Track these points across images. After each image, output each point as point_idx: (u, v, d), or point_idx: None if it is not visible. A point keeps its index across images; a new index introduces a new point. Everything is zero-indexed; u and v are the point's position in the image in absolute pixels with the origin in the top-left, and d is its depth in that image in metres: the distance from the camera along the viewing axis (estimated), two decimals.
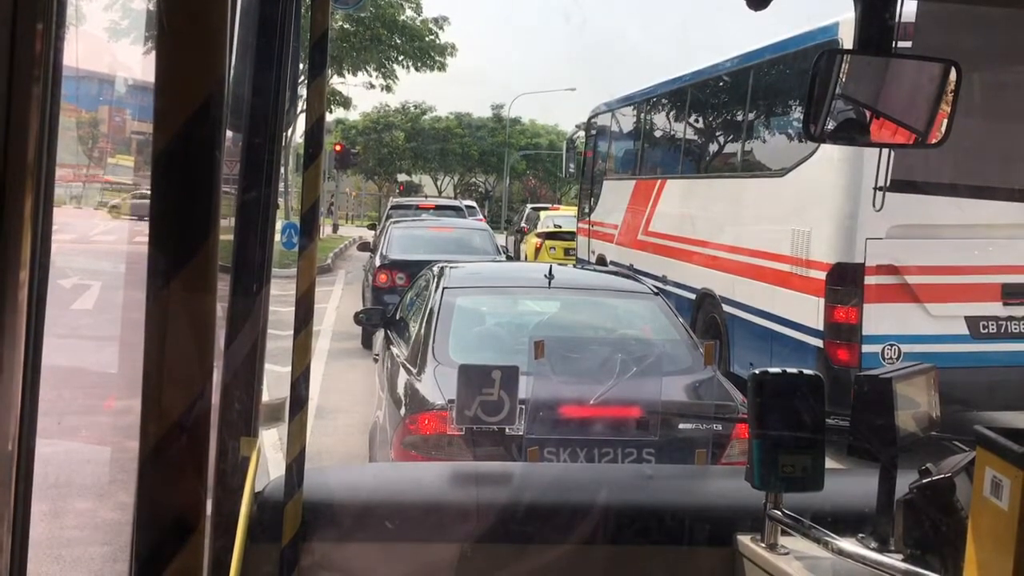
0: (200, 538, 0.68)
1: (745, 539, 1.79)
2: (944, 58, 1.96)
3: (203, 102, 0.66)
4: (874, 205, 2.43)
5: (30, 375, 0.74)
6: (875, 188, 2.10)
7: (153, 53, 0.67)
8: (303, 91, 1.75)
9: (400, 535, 1.84)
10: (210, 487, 1.71)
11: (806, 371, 1.78)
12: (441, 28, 30.41)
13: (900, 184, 2.14)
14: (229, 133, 1.76)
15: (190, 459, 0.67)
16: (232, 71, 1.68)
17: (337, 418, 7.90)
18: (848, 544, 1.59)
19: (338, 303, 15.16)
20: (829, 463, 1.76)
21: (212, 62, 0.66)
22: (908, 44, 2.08)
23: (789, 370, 1.77)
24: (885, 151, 2.11)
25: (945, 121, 1.97)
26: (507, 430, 2.35)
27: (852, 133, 2.03)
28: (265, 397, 1.91)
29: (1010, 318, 7.58)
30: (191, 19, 0.65)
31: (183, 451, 0.67)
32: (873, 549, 1.62)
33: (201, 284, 0.67)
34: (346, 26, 27.64)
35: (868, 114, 2.05)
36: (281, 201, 20.53)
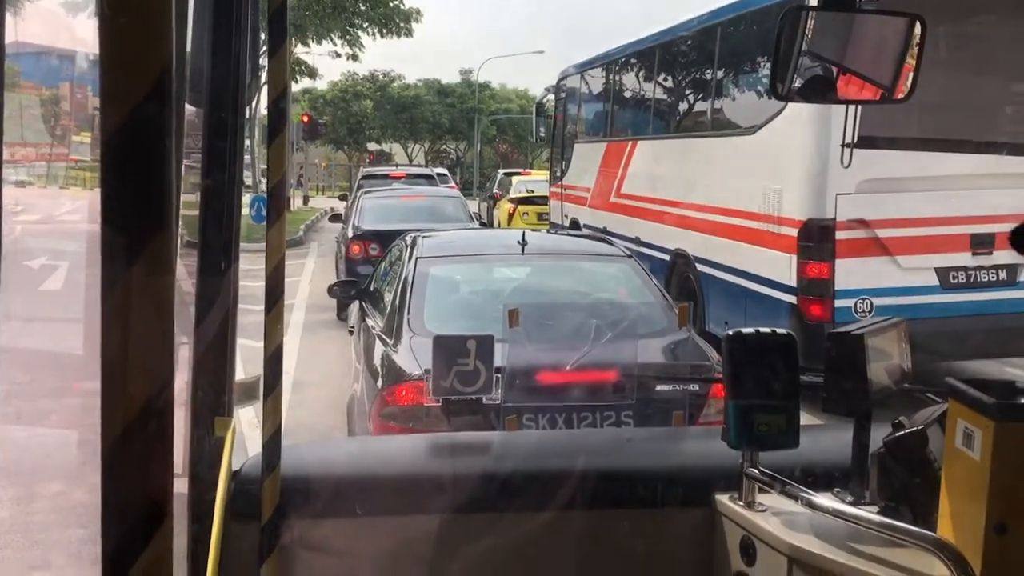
0: (169, 526, 0.67)
1: (723, 498, 1.81)
2: (909, 12, 1.96)
3: (153, 83, 0.63)
4: (842, 162, 2.44)
5: None
6: (842, 145, 2.11)
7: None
8: (266, 61, 1.71)
9: (380, 509, 1.84)
10: (185, 468, 1.71)
11: (779, 330, 1.79)
12: None
13: (867, 140, 2.14)
14: (191, 108, 1.73)
15: (156, 447, 0.66)
16: (190, 44, 1.64)
17: (314, 391, 7.89)
18: (824, 499, 1.61)
19: (311, 276, 15.08)
20: (805, 419, 1.78)
21: (159, 40, 0.64)
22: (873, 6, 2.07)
23: (762, 330, 1.77)
24: (852, 107, 2.11)
25: (911, 76, 1.97)
26: (484, 399, 2.35)
27: (819, 90, 2.03)
28: (240, 375, 1.90)
29: (979, 268, 7.67)
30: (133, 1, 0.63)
31: (148, 439, 0.65)
32: (848, 503, 1.64)
33: (159, 268, 0.65)
34: None
35: (835, 71, 2.04)
36: (249, 174, 20.32)
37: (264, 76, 1.88)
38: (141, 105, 0.63)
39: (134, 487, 0.66)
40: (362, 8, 29.43)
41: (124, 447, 0.65)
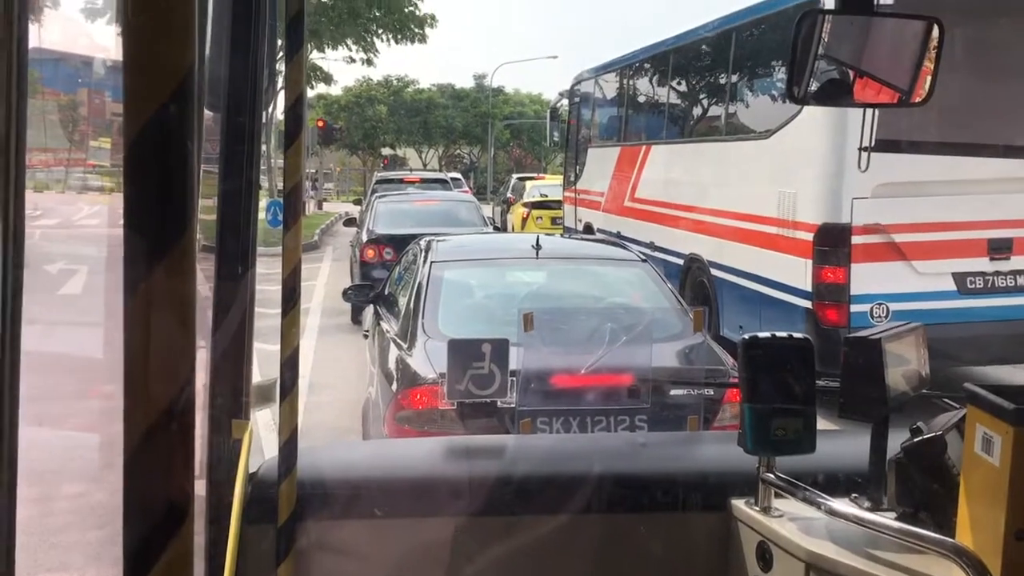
0: (190, 527, 0.67)
1: (739, 503, 1.80)
2: (925, 15, 1.95)
3: (177, 85, 0.64)
4: (859, 166, 2.43)
5: (8, 363, 0.73)
6: (860, 148, 2.10)
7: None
8: (282, 67, 1.72)
9: (395, 512, 1.84)
10: (203, 471, 1.72)
11: (796, 334, 1.78)
12: None
13: (885, 144, 2.13)
14: (209, 113, 1.74)
15: (177, 449, 0.67)
16: (208, 50, 1.65)
17: (329, 394, 7.92)
18: (841, 505, 1.60)
19: (327, 279, 15.13)
20: (822, 424, 1.77)
21: (183, 43, 0.65)
22: (890, 1, 2.06)
23: (779, 334, 1.77)
24: (870, 111, 2.10)
25: (929, 79, 1.96)
26: (499, 403, 2.35)
27: (836, 94, 2.02)
28: (257, 377, 1.91)
29: (996, 273, 7.62)
30: (156, 3, 0.63)
31: (170, 444, 0.66)
32: (866, 508, 1.63)
33: (181, 271, 0.66)
34: (324, 0, 27.31)
35: (852, 74, 2.04)
36: (266, 179, 20.41)
37: (281, 81, 1.89)
38: (164, 107, 0.64)
39: (155, 488, 0.66)
40: (377, 14, 29.50)
41: (146, 448, 0.65)
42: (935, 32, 1.94)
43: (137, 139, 0.64)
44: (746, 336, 1.75)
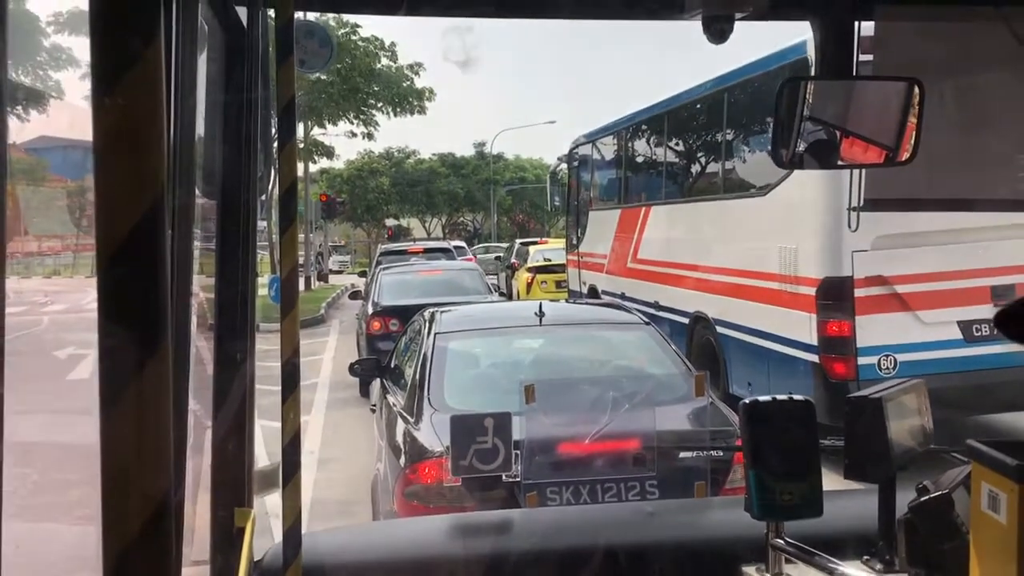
0: None
1: (750, 570, 1.78)
2: (906, 76, 1.99)
3: (147, 210, 0.65)
4: (849, 226, 2.45)
5: None
6: (849, 209, 2.12)
7: None
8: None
9: None
10: (207, 560, 1.70)
11: (796, 396, 1.78)
12: (417, 74, 30.73)
13: (873, 203, 2.15)
14: (211, 203, 1.77)
15: (156, 567, 0.66)
16: (203, 139, 1.69)
17: (339, 470, 7.86)
18: (852, 569, 1.58)
19: (334, 353, 15.13)
20: (832, 483, 1.76)
21: (152, 173, 0.66)
22: (869, 57, 2.10)
23: (779, 397, 1.76)
24: (857, 171, 2.13)
25: (913, 137, 1.98)
26: (504, 476, 2.34)
27: (822, 156, 2.04)
28: (262, 457, 1.90)
29: None
30: (127, 134, 0.65)
31: (149, 559, 0.65)
32: (878, 571, 1.61)
33: (156, 389, 0.66)
34: (323, 78, 27.85)
35: (838, 135, 2.06)
36: (267, 254, 20.55)
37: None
38: (134, 233, 0.64)
39: None
40: (376, 89, 30.08)
41: (125, 566, 0.64)
42: (916, 92, 1.97)
43: (111, 263, 0.65)
44: (746, 401, 1.75)
